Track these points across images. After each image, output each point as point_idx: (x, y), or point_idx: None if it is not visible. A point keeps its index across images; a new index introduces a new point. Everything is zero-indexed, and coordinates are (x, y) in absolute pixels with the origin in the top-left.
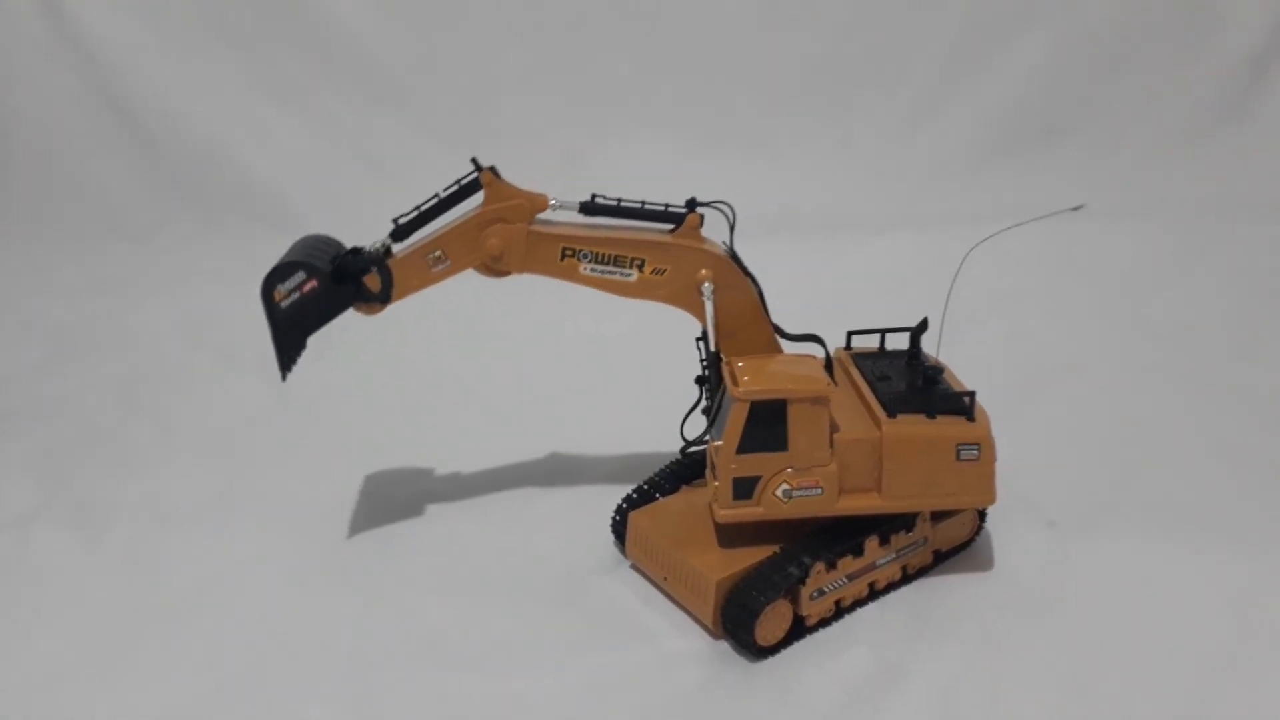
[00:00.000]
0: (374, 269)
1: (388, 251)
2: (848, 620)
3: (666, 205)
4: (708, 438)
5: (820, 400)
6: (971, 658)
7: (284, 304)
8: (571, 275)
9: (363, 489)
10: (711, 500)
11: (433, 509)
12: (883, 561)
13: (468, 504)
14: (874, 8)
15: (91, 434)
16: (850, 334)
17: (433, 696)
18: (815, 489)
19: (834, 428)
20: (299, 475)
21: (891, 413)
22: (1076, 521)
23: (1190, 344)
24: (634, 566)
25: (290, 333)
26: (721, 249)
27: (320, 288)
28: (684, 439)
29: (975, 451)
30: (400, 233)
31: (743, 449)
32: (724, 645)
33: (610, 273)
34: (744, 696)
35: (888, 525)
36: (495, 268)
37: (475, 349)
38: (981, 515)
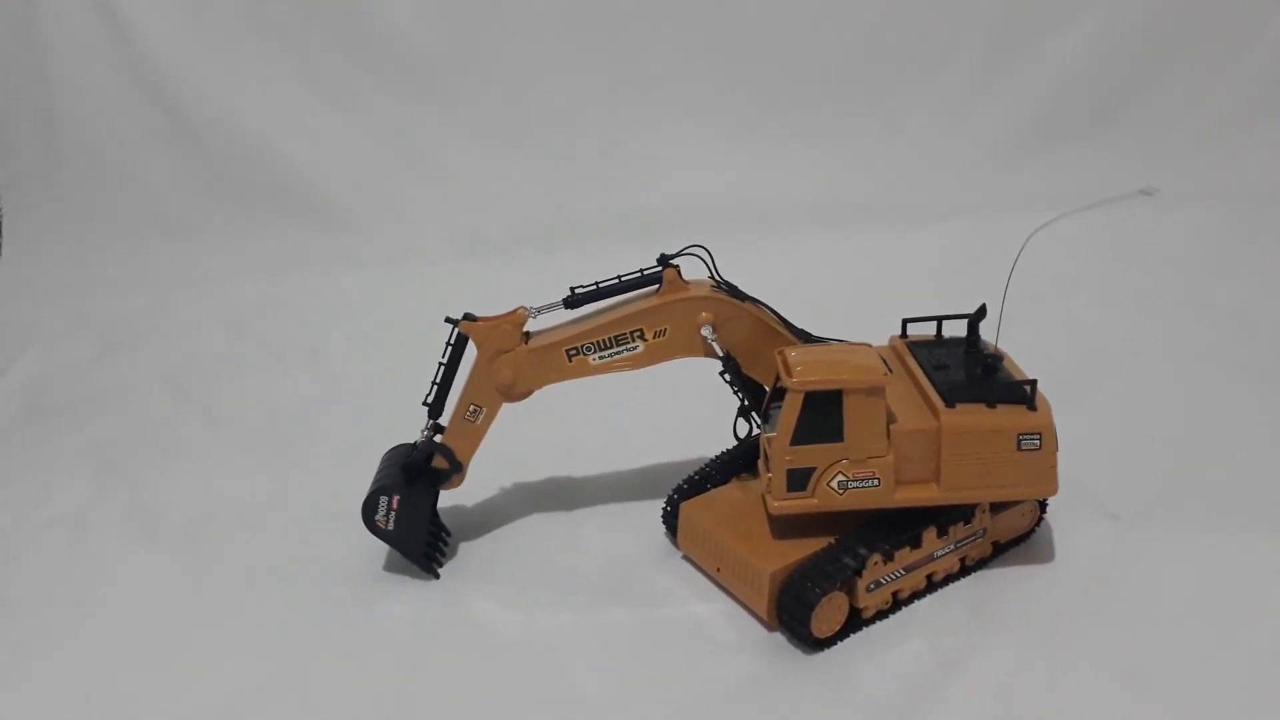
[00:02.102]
0: (436, 453)
1: (436, 428)
2: (905, 613)
3: (641, 271)
4: (758, 432)
5: (876, 390)
6: (1030, 650)
7: (389, 527)
8: (584, 371)
9: None
10: (765, 491)
11: (480, 502)
12: (940, 553)
13: (516, 496)
14: None
15: (142, 427)
16: (906, 321)
17: (484, 689)
18: (871, 480)
19: (890, 418)
20: (347, 467)
21: (950, 402)
22: (1136, 512)
23: (1251, 331)
24: (685, 557)
25: (410, 542)
26: (709, 288)
27: (405, 498)
28: (736, 438)
29: (1036, 441)
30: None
31: (797, 440)
32: (778, 637)
33: (618, 354)
34: (799, 688)
35: (946, 517)
36: (513, 394)
37: None
38: (1042, 506)
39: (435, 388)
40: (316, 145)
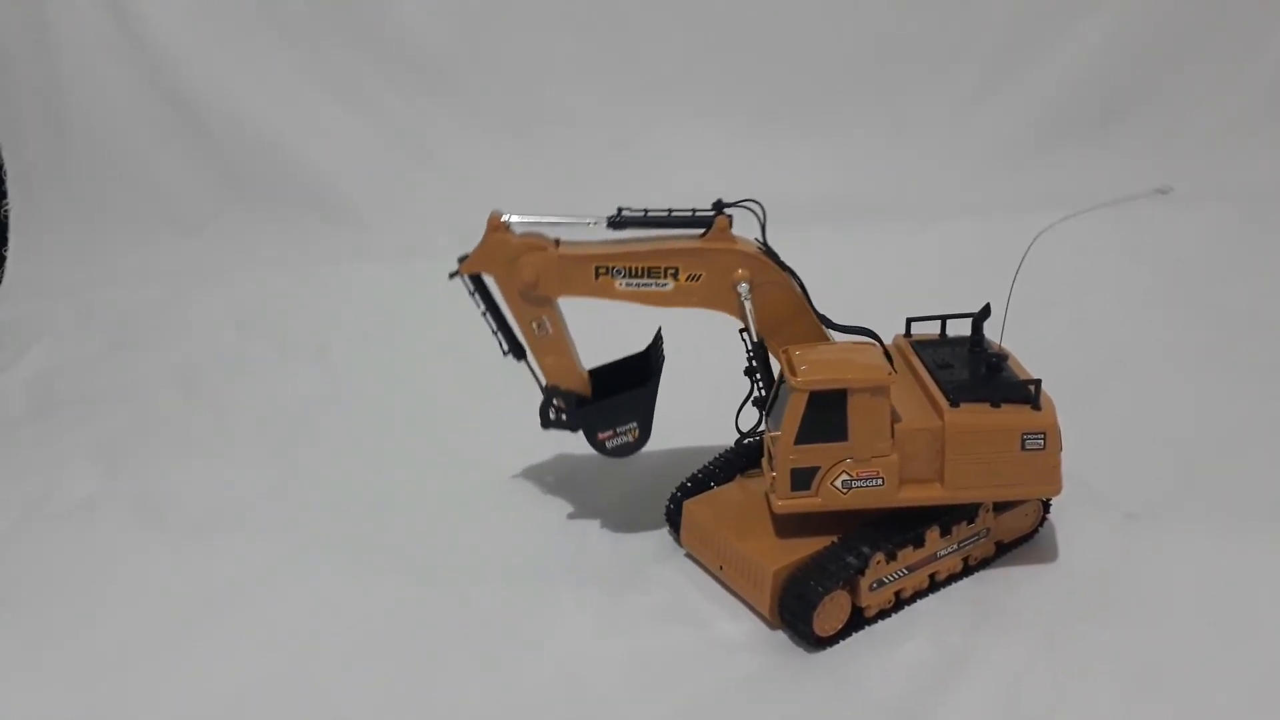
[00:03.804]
0: (551, 400)
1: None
2: (908, 612)
3: (693, 210)
4: (763, 428)
5: (881, 390)
6: (1036, 650)
7: (636, 439)
8: (608, 293)
9: (416, 478)
10: (769, 490)
11: (486, 497)
12: (944, 553)
13: (521, 492)
14: None
15: (151, 422)
16: (910, 320)
17: (487, 681)
18: (876, 480)
19: (895, 417)
20: (357, 461)
21: (954, 401)
22: (1142, 512)
23: (1259, 332)
24: (689, 555)
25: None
26: (755, 247)
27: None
28: (739, 431)
29: (1040, 441)
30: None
31: (801, 439)
32: (781, 635)
33: (645, 285)
34: (802, 685)
35: (949, 516)
36: (532, 295)
37: None
38: (1045, 506)
39: (497, 335)
40: (326, 141)
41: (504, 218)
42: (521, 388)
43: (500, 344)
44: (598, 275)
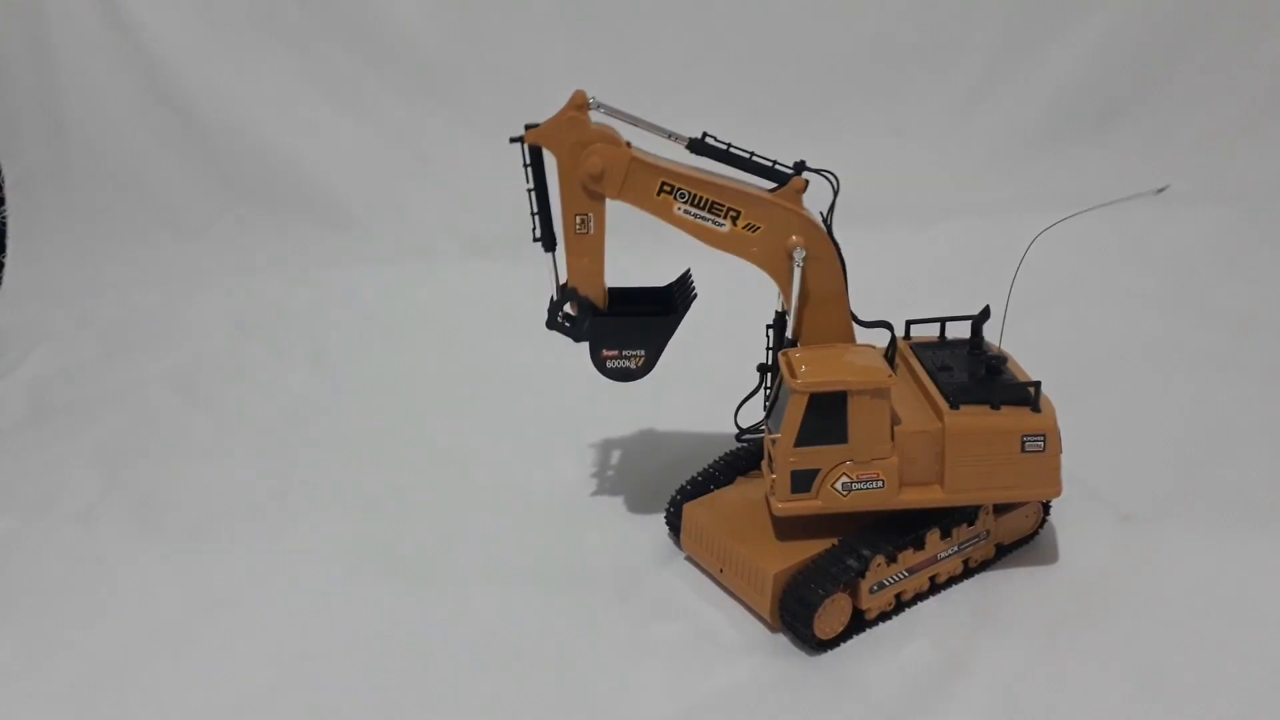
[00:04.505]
0: (567, 300)
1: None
2: (908, 614)
3: (774, 162)
4: (764, 428)
5: (881, 392)
6: (1036, 652)
7: (638, 365)
8: (664, 213)
9: (415, 481)
10: (769, 493)
11: (484, 501)
12: (944, 555)
13: (519, 496)
14: None
15: (149, 426)
16: (909, 323)
17: (485, 689)
18: (876, 482)
19: (895, 420)
20: (355, 464)
21: (954, 404)
22: (1142, 514)
23: (1257, 332)
24: (689, 559)
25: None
26: (818, 220)
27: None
28: (738, 426)
29: (1040, 443)
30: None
31: (801, 442)
32: (781, 639)
33: (703, 218)
34: (802, 688)
35: (949, 518)
36: (593, 189)
37: (524, 342)
38: (1045, 508)
39: (534, 217)
40: (322, 146)
41: (590, 100)
42: (519, 391)
43: (534, 228)
44: (660, 191)
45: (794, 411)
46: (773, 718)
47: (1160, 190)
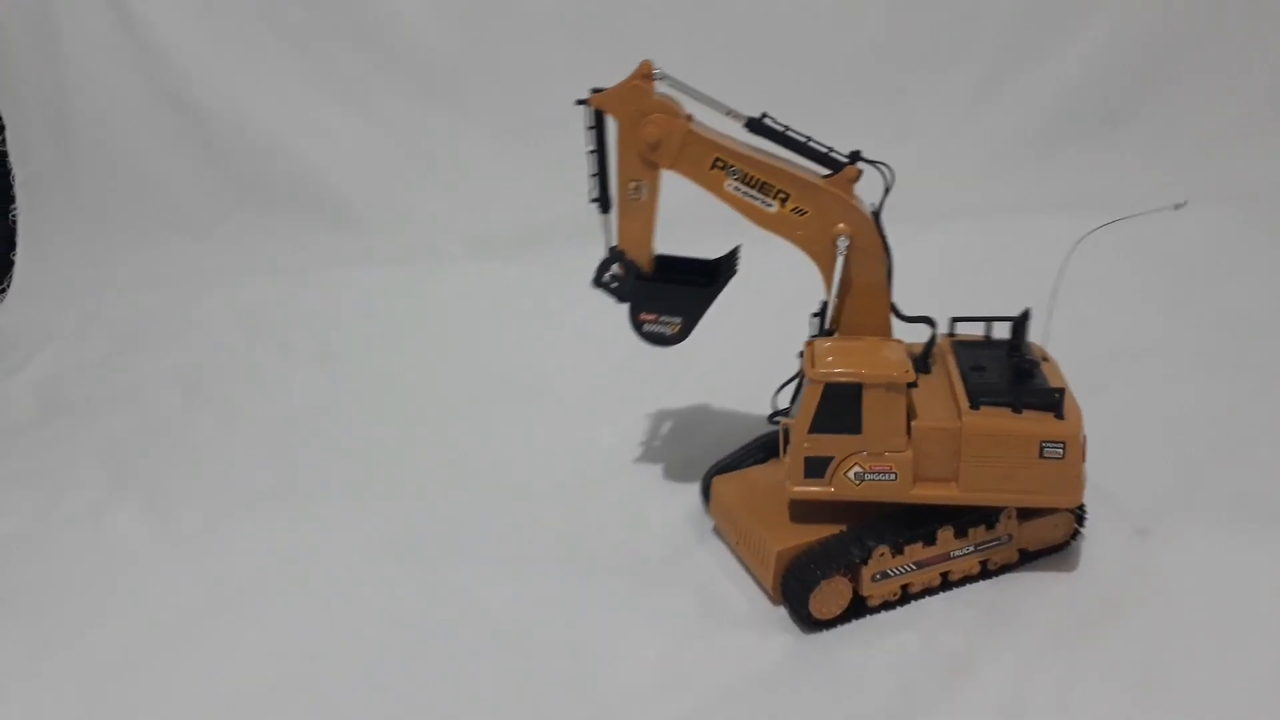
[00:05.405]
0: (614, 262)
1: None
2: (914, 609)
3: (830, 149)
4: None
5: (895, 387)
6: (1039, 655)
7: (676, 332)
8: (715, 188)
9: (423, 478)
10: (785, 476)
11: (493, 500)
12: (958, 553)
13: (529, 495)
14: None
15: (156, 425)
16: (954, 320)
17: (486, 673)
18: (888, 474)
19: (914, 414)
20: (361, 464)
21: (974, 404)
22: (1149, 516)
23: (1262, 334)
24: (715, 530)
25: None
26: (868, 211)
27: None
28: (774, 406)
29: (1060, 450)
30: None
31: (815, 429)
32: (786, 635)
33: (753, 197)
34: (791, 678)
35: (965, 517)
36: (649, 157)
37: (530, 341)
38: (1079, 519)
39: (593, 178)
40: (329, 146)
41: (655, 71)
42: (524, 389)
43: (592, 189)
44: (713, 166)
45: (809, 399)
46: (757, 703)
47: (1179, 205)
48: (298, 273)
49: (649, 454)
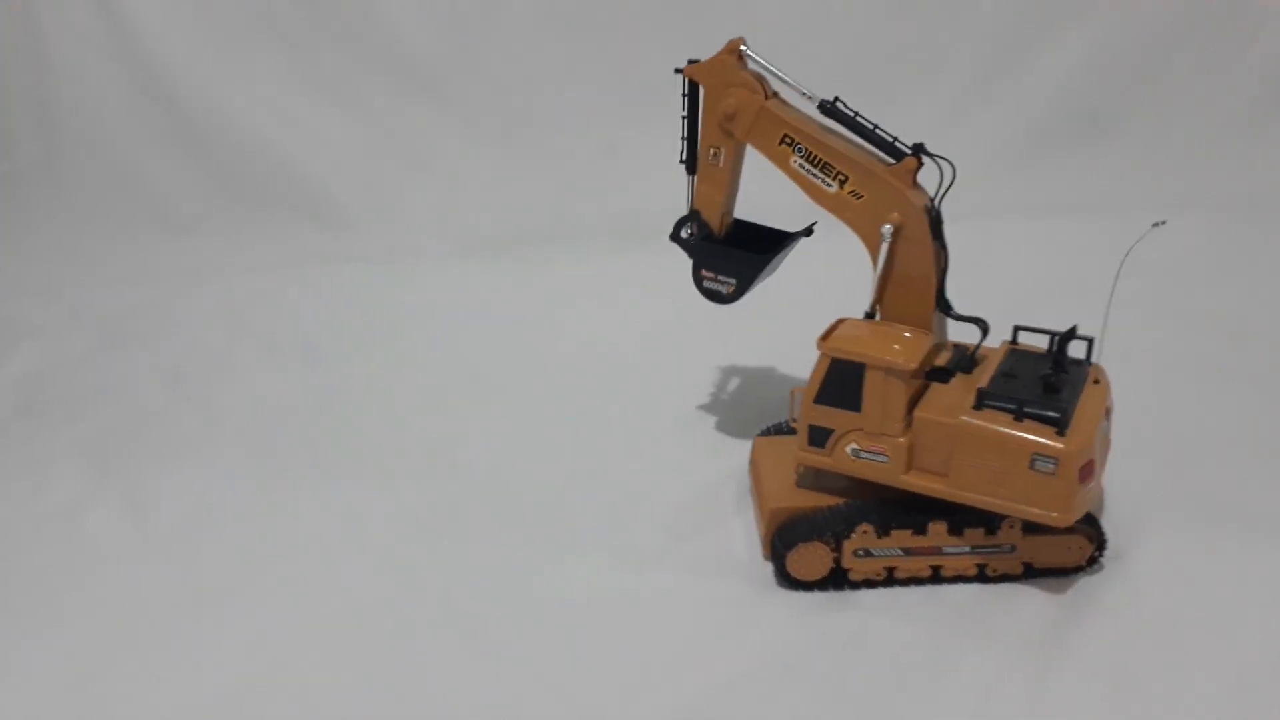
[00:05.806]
0: (687, 221)
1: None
2: (899, 591)
3: (895, 138)
4: None
5: (895, 372)
6: (1014, 656)
7: (734, 290)
8: (781, 163)
9: (406, 480)
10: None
11: (476, 501)
12: (951, 550)
13: (514, 498)
14: None
15: (138, 422)
16: (1017, 329)
17: (471, 678)
18: (881, 456)
19: (917, 404)
20: (344, 463)
21: (979, 404)
22: (1124, 518)
23: (1247, 339)
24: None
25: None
26: (926, 202)
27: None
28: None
29: (1051, 465)
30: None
31: (819, 400)
32: (781, 632)
33: (814, 175)
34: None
35: (961, 516)
36: (726, 127)
37: (512, 341)
38: (1100, 547)
39: (684, 142)
40: (314, 143)
41: (743, 47)
42: (516, 389)
43: (682, 150)
44: (781, 142)
45: (817, 371)
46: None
47: (1158, 224)
48: (281, 270)
49: (639, 455)
